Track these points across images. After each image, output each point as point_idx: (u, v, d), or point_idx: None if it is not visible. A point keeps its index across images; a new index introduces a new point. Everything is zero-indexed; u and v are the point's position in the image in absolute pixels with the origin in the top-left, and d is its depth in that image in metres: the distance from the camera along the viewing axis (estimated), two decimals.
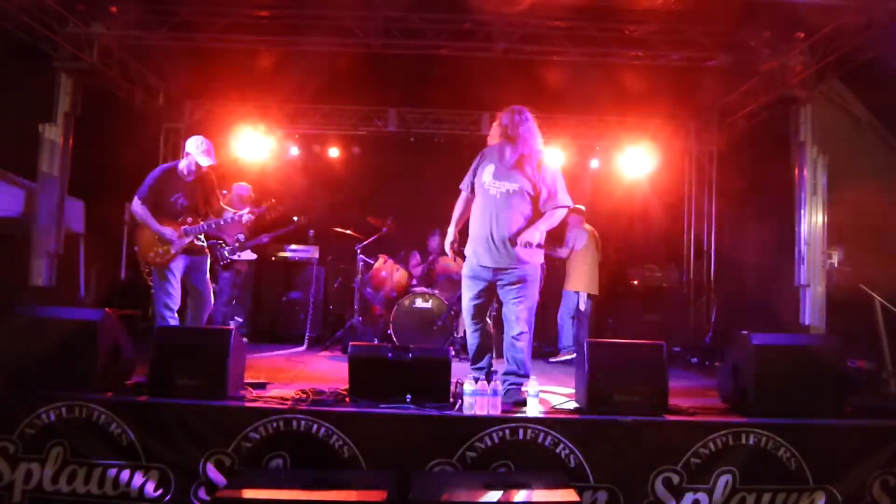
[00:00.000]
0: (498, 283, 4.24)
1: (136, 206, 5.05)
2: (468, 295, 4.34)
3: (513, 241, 4.11)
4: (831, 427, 3.61)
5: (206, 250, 5.30)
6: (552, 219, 4.22)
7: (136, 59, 7.90)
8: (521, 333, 4.19)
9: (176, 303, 5.00)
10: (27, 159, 6.78)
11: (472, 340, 4.40)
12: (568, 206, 4.28)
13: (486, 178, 4.29)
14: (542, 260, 4.36)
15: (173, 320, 4.95)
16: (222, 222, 5.26)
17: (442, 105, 9.30)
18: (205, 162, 5.12)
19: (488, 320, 4.64)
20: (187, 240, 5.09)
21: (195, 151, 5.12)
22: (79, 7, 6.78)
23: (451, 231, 4.49)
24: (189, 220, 5.12)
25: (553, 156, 8.36)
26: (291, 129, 9.46)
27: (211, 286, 5.31)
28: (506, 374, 4.21)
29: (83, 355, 3.75)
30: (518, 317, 4.19)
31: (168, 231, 5.02)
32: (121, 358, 4.01)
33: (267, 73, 8.26)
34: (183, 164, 5.18)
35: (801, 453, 3.53)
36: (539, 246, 4.16)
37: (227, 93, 9.23)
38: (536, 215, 4.23)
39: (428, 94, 9.02)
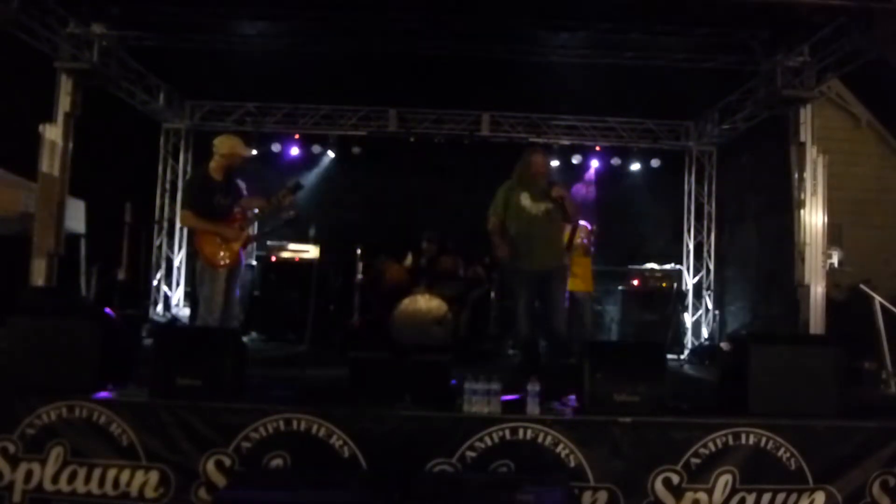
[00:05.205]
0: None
1: (185, 217, 5.04)
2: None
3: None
4: (831, 427, 3.60)
5: (242, 256, 5.29)
6: None
7: (136, 59, 7.90)
8: None
9: (220, 306, 5.01)
10: (27, 159, 6.77)
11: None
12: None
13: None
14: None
15: (215, 323, 4.96)
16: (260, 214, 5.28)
17: (442, 105, 9.30)
18: (247, 153, 5.19)
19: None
20: (245, 234, 5.11)
21: (229, 149, 5.10)
22: (79, 7, 6.78)
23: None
24: (238, 215, 5.14)
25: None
26: (291, 129, 9.46)
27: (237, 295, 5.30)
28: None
29: (83, 355, 3.75)
30: None
31: (227, 230, 5.03)
32: (121, 358, 4.01)
33: (267, 74, 8.27)
34: (212, 165, 5.12)
35: (801, 453, 3.53)
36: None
37: (227, 93, 9.25)
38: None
39: (428, 94, 9.03)
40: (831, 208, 7.00)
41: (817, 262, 6.85)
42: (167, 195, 9.55)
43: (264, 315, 8.70)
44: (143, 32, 7.14)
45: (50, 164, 6.80)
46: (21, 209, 6.96)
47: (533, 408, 3.73)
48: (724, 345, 8.16)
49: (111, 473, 3.48)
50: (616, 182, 9.67)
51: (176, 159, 9.57)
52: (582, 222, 6.93)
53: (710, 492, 3.50)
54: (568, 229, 5.18)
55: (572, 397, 4.03)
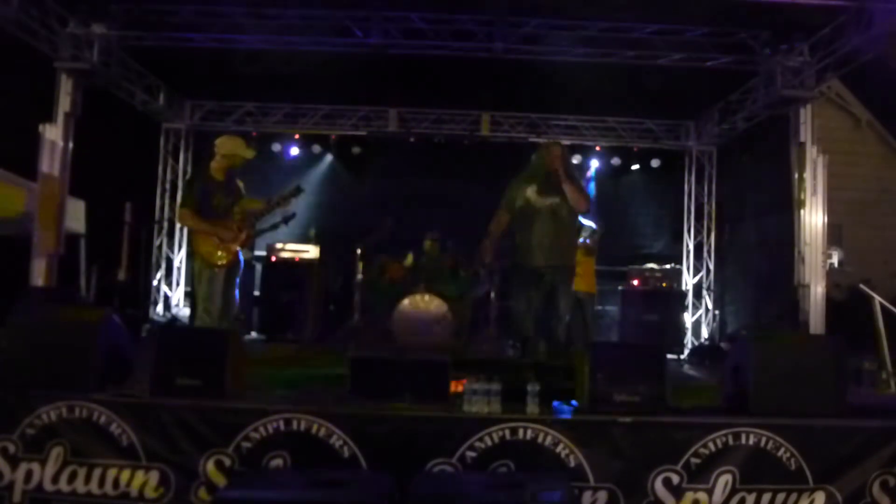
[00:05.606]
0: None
1: (183, 215, 5.05)
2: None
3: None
4: (831, 427, 3.60)
5: (240, 256, 5.26)
6: None
7: (136, 59, 7.90)
8: None
9: (218, 305, 5.01)
10: (27, 159, 6.77)
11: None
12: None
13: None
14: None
15: (213, 322, 4.96)
16: (259, 215, 5.25)
17: (442, 105, 9.30)
18: (248, 154, 5.19)
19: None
20: (244, 234, 5.10)
21: (230, 150, 5.10)
22: (79, 7, 6.78)
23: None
24: (237, 216, 5.12)
25: None
26: (291, 129, 9.46)
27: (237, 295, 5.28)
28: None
29: (83, 355, 3.74)
30: None
31: (225, 231, 5.02)
32: (121, 358, 4.01)
33: (267, 74, 8.27)
34: (214, 165, 5.13)
35: (801, 453, 3.53)
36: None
37: (227, 93, 9.25)
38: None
39: (428, 94, 9.03)
40: (831, 208, 7.01)
41: (817, 262, 6.85)
42: (167, 195, 9.56)
43: (264, 315, 8.70)
44: (143, 32, 7.14)
45: (50, 164, 6.80)
46: (21, 209, 6.96)
47: (533, 408, 3.74)
48: (724, 345, 8.17)
49: (111, 473, 3.47)
50: (616, 182, 9.67)
51: (176, 159, 9.57)
52: (588, 222, 6.90)
53: (710, 492, 3.50)
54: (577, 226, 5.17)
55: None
